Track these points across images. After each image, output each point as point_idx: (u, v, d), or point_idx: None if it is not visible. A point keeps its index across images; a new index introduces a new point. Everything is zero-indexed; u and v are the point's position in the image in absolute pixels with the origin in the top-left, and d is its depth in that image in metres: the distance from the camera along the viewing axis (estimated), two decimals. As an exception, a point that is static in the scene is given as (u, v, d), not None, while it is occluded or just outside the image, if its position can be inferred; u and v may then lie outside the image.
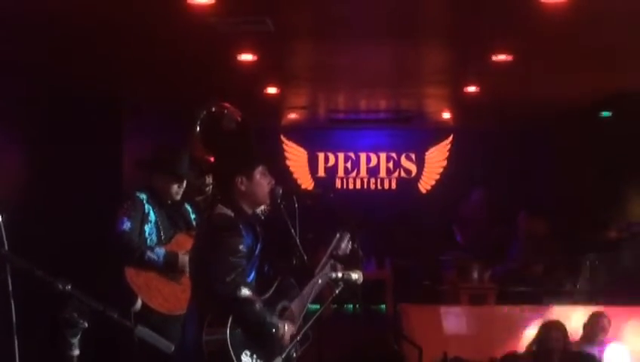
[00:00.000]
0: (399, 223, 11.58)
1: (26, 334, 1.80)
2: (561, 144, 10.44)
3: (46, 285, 1.63)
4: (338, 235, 3.83)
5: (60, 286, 1.65)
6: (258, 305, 3.45)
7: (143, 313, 4.35)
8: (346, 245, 3.86)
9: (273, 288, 3.68)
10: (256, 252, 3.64)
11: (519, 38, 5.92)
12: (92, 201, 6.94)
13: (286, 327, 3.56)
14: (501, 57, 6.49)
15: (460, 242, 10.87)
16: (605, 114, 9.37)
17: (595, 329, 6.13)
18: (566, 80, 7.56)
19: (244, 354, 3.42)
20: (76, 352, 1.76)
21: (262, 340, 3.50)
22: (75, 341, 1.74)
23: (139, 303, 4.43)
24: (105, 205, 5.57)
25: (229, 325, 3.38)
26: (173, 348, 1.82)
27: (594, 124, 9.46)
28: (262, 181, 3.71)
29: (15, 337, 1.62)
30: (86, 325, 1.74)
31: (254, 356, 3.44)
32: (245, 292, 3.39)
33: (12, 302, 1.58)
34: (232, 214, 3.58)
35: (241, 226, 3.55)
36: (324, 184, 12.09)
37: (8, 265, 1.56)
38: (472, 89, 8.34)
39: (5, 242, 1.54)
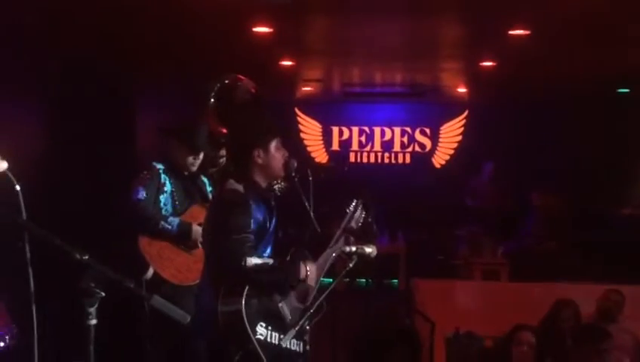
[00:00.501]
0: (413, 198, 11.56)
1: (44, 303, 1.81)
2: (577, 120, 10.38)
3: (64, 254, 1.64)
4: (352, 209, 3.82)
5: (78, 256, 1.66)
6: (267, 265, 3.44)
7: (154, 282, 4.38)
8: (359, 218, 3.86)
9: (288, 257, 3.68)
10: (271, 227, 3.63)
11: (537, 12, 5.85)
12: (106, 174, 6.96)
13: (308, 267, 3.58)
14: (518, 32, 6.43)
15: (471, 207, 10.80)
16: (623, 90, 9.30)
17: (609, 306, 6.10)
18: (584, 56, 7.49)
19: (259, 325, 3.43)
20: (93, 321, 1.78)
21: (284, 297, 3.51)
22: (93, 310, 1.76)
23: (150, 272, 4.46)
24: (119, 177, 5.58)
25: (244, 295, 3.40)
26: (188, 319, 1.83)
27: (611, 100, 9.38)
28: (277, 154, 3.70)
29: (33, 306, 1.63)
30: (103, 294, 1.75)
31: (269, 327, 3.45)
32: (251, 260, 3.39)
33: (30, 270, 1.59)
34: (243, 190, 3.58)
35: (251, 202, 3.54)
36: (338, 158, 12.07)
37: (26, 233, 1.56)
38: (487, 64, 8.27)
39: (24, 210, 1.54)
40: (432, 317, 6.34)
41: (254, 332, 3.40)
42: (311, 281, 3.60)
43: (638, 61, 7.68)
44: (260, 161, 3.65)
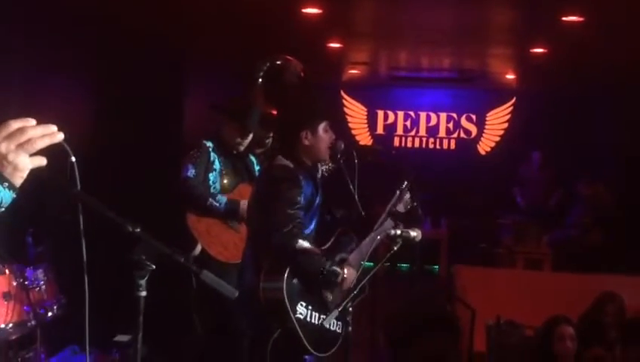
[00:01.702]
0: (457, 184, 11.48)
1: (97, 274, 1.84)
2: (628, 110, 10.17)
3: (116, 227, 1.66)
4: (398, 192, 3.81)
5: (130, 228, 1.68)
6: (316, 256, 3.47)
7: (201, 259, 4.44)
8: (406, 202, 3.85)
9: (332, 239, 3.70)
10: (316, 203, 3.66)
11: (591, -1, 5.76)
12: (154, 150, 7.03)
13: (346, 272, 3.58)
14: (571, 18, 6.32)
15: (520, 205, 10.72)
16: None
17: None
18: (636, 42, 7.33)
19: (299, 304, 3.46)
20: (143, 293, 1.81)
21: (320, 289, 3.53)
22: (143, 282, 1.78)
23: (198, 248, 4.53)
24: (167, 156, 5.63)
25: (285, 274, 3.42)
26: (237, 294, 1.85)
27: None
28: (325, 136, 3.71)
29: (85, 276, 1.65)
30: (153, 267, 1.78)
31: (309, 307, 3.47)
32: (302, 243, 3.41)
33: (83, 241, 1.62)
34: (292, 165, 3.60)
35: (300, 177, 3.56)
36: (383, 141, 12.02)
37: (80, 204, 1.59)
38: (539, 50, 8.14)
39: (78, 182, 1.56)
40: (473, 305, 6.31)
41: (294, 311, 3.43)
42: (346, 285, 3.60)
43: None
44: (306, 142, 3.66)
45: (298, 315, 3.44)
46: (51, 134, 1.46)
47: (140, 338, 1.83)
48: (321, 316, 3.52)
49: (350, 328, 3.50)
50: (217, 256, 4.55)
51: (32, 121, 1.46)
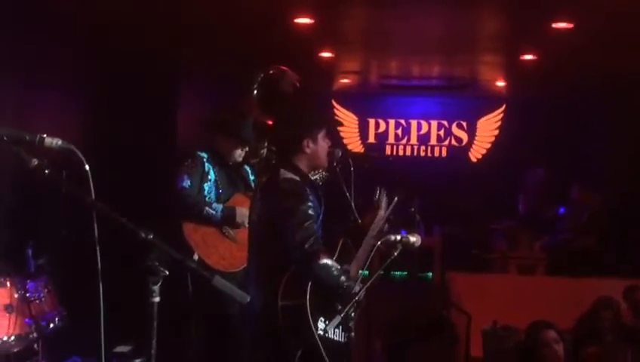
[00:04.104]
0: (449, 191, 11.51)
1: (111, 280, 1.87)
2: (617, 116, 10.25)
3: (128, 234, 1.69)
4: (396, 198, 3.82)
5: (143, 235, 1.71)
6: (337, 271, 3.44)
7: None
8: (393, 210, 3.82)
9: (337, 251, 3.68)
10: (321, 216, 3.65)
11: (581, 5, 5.81)
12: (148, 162, 7.04)
13: (357, 287, 3.58)
14: (561, 25, 6.38)
15: (520, 212, 10.70)
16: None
17: (634, 303, 6.02)
18: (627, 50, 7.40)
19: (320, 320, 3.44)
20: (157, 299, 1.83)
21: (336, 302, 3.50)
22: (156, 288, 1.81)
23: (194, 258, 4.53)
24: (161, 164, 5.63)
25: (308, 291, 3.39)
26: (248, 299, 1.87)
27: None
28: (324, 144, 3.72)
29: (100, 283, 1.68)
30: (166, 273, 1.80)
31: (326, 322, 3.45)
32: (324, 259, 3.40)
33: (97, 248, 1.64)
34: (298, 178, 3.59)
35: (308, 190, 3.56)
36: (375, 150, 12.05)
37: (94, 212, 1.61)
38: (528, 57, 8.20)
39: (92, 190, 1.59)
40: (468, 311, 6.35)
41: (316, 328, 3.40)
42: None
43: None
44: (308, 150, 3.67)
45: (320, 331, 3.42)
46: None
47: (154, 344, 1.86)
48: (336, 330, 3.49)
49: (353, 333, 3.52)
50: (215, 265, 4.56)
51: None
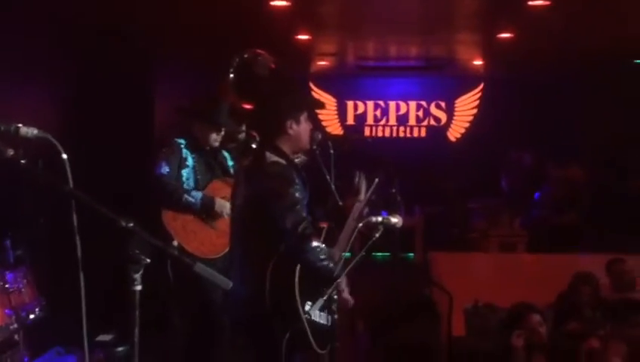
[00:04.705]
0: (429, 171, 11.56)
1: (91, 270, 1.85)
2: (595, 93, 10.31)
3: (109, 222, 1.67)
4: (377, 180, 3.80)
5: (123, 223, 1.69)
6: (324, 254, 3.42)
7: None
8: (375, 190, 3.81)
9: (323, 235, 3.65)
10: (306, 198, 3.62)
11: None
12: (125, 150, 6.99)
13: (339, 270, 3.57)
14: (538, 2, 6.37)
15: (504, 189, 10.73)
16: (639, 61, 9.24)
17: (617, 276, 6.08)
18: (603, 26, 7.42)
19: (307, 303, 3.43)
20: (139, 287, 1.82)
21: (322, 285, 3.50)
22: (138, 276, 1.79)
23: (174, 245, 4.50)
24: (138, 152, 5.59)
25: (297, 275, 3.38)
26: (231, 285, 1.86)
27: (630, 71, 9.32)
28: (307, 126, 3.70)
29: (81, 272, 1.66)
30: (148, 261, 1.78)
31: (311, 304, 3.44)
32: (315, 242, 3.38)
33: (77, 238, 1.62)
34: (284, 162, 3.56)
35: (294, 173, 3.53)
36: (354, 132, 12.05)
37: (73, 201, 1.59)
38: (505, 35, 8.21)
39: (70, 179, 1.57)
40: (450, 289, 6.37)
41: (304, 312, 3.39)
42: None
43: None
44: (291, 131, 3.63)
45: (306, 315, 3.41)
46: None
47: (137, 332, 1.84)
48: (321, 313, 3.49)
49: (336, 316, 3.52)
50: (195, 251, 4.55)
51: None
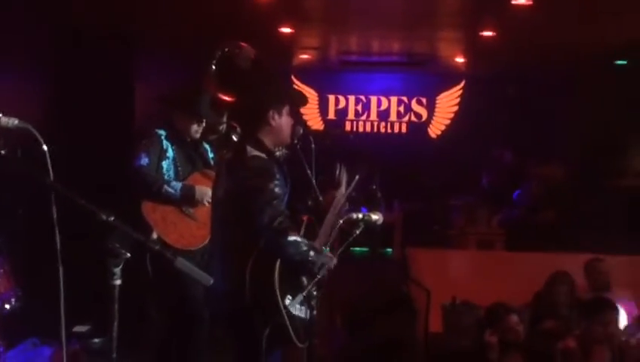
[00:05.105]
0: (409, 167, 11.57)
1: (70, 263, 1.83)
2: (576, 92, 10.37)
3: (89, 215, 1.65)
4: (357, 176, 3.79)
5: (104, 217, 1.67)
6: (305, 246, 3.40)
7: None
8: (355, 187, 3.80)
9: (302, 229, 3.63)
10: (287, 193, 3.61)
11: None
12: (106, 140, 6.94)
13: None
14: (520, 1, 6.40)
15: (484, 186, 10.75)
16: (621, 62, 9.30)
17: (594, 276, 6.11)
18: (584, 27, 7.47)
19: (287, 297, 3.42)
20: (118, 281, 1.80)
21: (303, 278, 3.49)
22: (118, 270, 1.77)
23: (153, 236, 4.47)
24: (118, 143, 5.54)
25: (276, 269, 3.37)
26: (211, 281, 1.85)
27: (609, 72, 9.38)
28: (288, 119, 3.68)
29: (60, 266, 1.64)
30: (128, 255, 1.76)
31: (291, 299, 3.44)
32: (293, 236, 3.36)
33: (57, 231, 1.60)
34: (265, 156, 3.54)
35: (275, 168, 3.51)
36: (336, 126, 12.05)
37: (53, 194, 1.57)
38: (487, 33, 8.23)
39: (51, 171, 1.55)
40: (428, 286, 6.38)
41: (284, 306, 3.38)
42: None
43: (636, 34, 7.67)
44: (273, 123, 3.60)
45: (286, 309, 3.39)
46: None
47: (116, 326, 1.82)
48: (301, 307, 3.47)
49: (315, 312, 3.50)
50: (174, 243, 4.52)
51: None
